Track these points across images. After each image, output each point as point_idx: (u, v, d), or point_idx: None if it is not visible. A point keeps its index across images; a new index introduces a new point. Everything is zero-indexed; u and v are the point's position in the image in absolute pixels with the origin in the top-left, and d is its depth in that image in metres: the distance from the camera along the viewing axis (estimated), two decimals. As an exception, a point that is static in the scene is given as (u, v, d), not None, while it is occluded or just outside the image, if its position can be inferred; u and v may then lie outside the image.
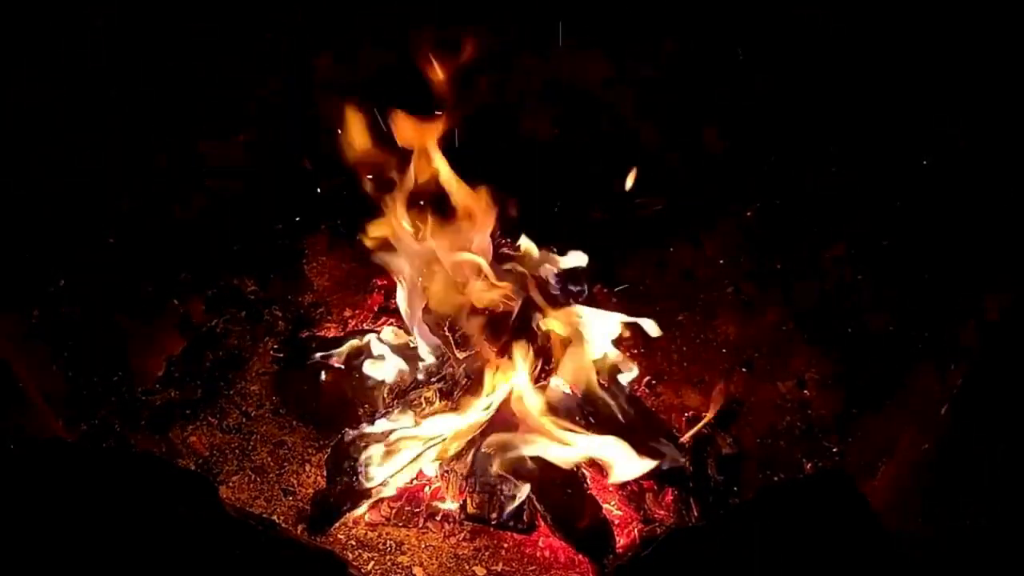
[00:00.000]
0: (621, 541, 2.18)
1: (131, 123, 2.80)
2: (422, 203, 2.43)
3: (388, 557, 2.16)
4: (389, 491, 2.19)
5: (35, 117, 2.70)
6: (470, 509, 2.19)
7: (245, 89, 2.92)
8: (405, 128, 2.36)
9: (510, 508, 2.14)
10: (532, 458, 2.17)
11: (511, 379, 2.21)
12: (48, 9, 2.72)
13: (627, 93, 2.86)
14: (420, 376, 2.38)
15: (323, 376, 2.48)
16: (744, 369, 2.55)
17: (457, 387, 2.27)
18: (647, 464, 2.12)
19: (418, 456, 2.15)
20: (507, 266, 2.41)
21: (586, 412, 2.28)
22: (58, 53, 2.75)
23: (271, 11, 2.79)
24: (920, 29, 2.46)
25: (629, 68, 2.86)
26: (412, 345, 2.45)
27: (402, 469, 2.16)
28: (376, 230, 2.45)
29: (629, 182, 2.69)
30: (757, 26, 2.73)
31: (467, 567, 2.16)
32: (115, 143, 2.76)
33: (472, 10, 2.64)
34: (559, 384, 2.32)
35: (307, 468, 2.35)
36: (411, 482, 2.26)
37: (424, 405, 2.26)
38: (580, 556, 2.16)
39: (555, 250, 2.53)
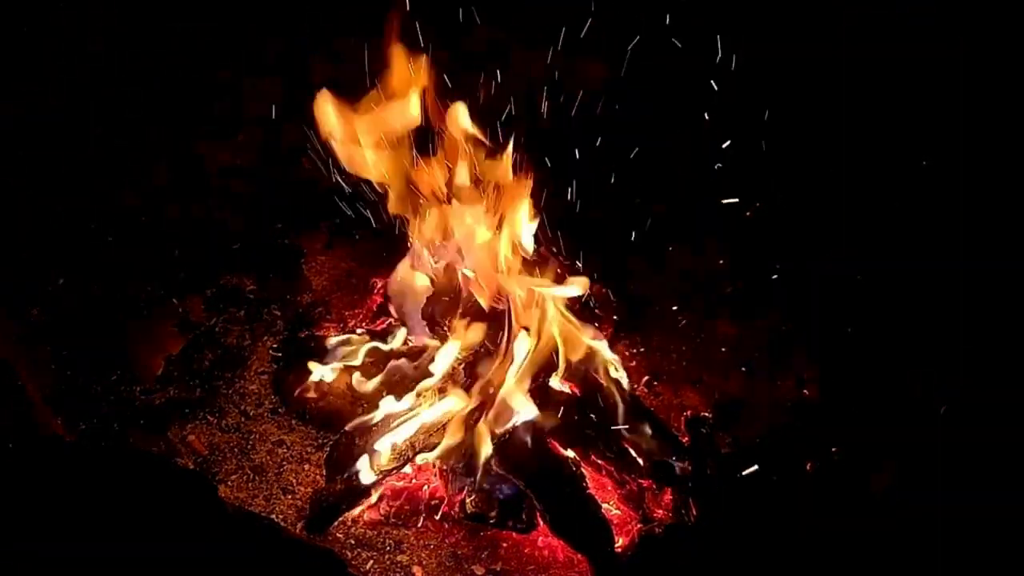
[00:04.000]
0: (620, 540, 2.18)
1: (131, 123, 2.81)
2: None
3: (387, 556, 2.16)
4: (387, 487, 2.19)
5: (35, 117, 2.71)
6: (469, 508, 2.19)
7: (245, 89, 2.93)
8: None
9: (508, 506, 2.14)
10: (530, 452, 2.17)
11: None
12: (49, 10, 2.73)
13: (626, 93, 2.86)
14: (419, 375, 2.38)
15: (322, 376, 2.48)
16: (744, 369, 2.55)
17: (455, 384, 2.27)
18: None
19: (416, 453, 2.15)
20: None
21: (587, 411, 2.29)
22: (59, 54, 2.75)
23: (271, 11, 2.80)
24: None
25: (629, 68, 2.86)
26: (410, 344, 2.45)
27: (401, 466, 2.16)
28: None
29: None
30: (757, 27, 2.73)
31: (466, 566, 2.16)
32: (115, 143, 2.77)
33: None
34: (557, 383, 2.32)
35: (306, 467, 2.34)
36: (410, 480, 2.26)
37: (423, 404, 2.26)
38: (579, 555, 2.16)
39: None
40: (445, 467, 2.23)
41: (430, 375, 2.34)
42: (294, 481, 2.31)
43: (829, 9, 2.75)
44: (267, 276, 2.72)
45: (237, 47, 2.88)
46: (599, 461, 2.27)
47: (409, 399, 2.29)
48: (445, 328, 2.40)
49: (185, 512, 1.71)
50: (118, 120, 2.78)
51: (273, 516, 2.21)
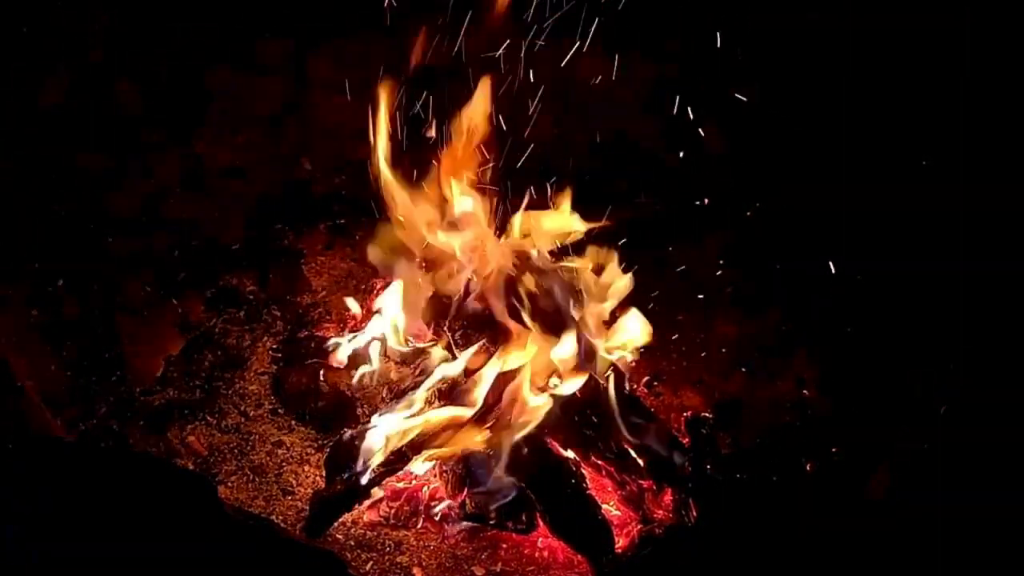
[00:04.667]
0: (620, 541, 2.18)
1: (130, 123, 2.81)
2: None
3: (387, 557, 2.16)
4: (387, 488, 2.19)
5: (35, 117, 2.70)
6: (469, 509, 2.19)
7: (245, 89, 2.93)
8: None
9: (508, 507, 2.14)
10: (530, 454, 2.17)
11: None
12: (49, 10, 2.73)
13: (627, 93, 2.86)
14: (419, 375, 2.38)
15: (322, 376, 2.48)
16: (744, 369, 2.55)
17: (456, 386, 2.27)
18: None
19: (416, 453, 2.15)
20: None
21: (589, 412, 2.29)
22: (59, 53, 2.75)
23: (270, 11, 2.80)
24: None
25: (630, 68, 2.86)
26: (410, 345, 2.45)
27: (401, 467, 2.16)
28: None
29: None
30: (757, 27, 2.73)
31: (466, 567, 2.16)
32: (115, 143, 2.77)
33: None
34: (561, 385, 2.32)
35: (306, 468, 2.34)
36: (410, 481, 2.26)
37: (423, 404, 2.26)
38: (579, 556, 2.16)
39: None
40: (445, 468, 2.23)
41: (431, 376, 2.34)
42: (294, 482, 2.31)
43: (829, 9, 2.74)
44: (267, 276, 2.72)
45: (237, 47, 2.88)
46: (599, 462, 2.27)
47: (410, 400, 2.29)
48: (445, 328, 2.40)
49: (185, 512, 1.71)
50: (118, 120, 2.78)
51: (273, 517, 2.21)
